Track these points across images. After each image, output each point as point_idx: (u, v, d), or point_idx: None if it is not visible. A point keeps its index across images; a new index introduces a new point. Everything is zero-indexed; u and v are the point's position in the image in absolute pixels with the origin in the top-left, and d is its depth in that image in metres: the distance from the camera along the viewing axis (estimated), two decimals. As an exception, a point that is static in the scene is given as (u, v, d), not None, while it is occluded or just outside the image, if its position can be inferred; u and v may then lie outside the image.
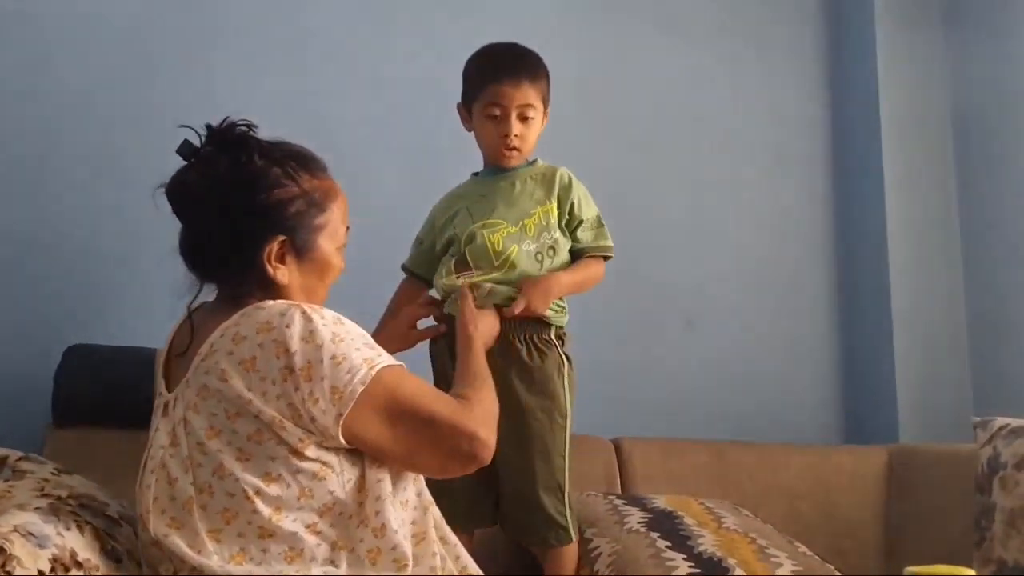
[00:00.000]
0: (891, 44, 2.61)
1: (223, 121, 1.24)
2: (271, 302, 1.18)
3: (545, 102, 1.65)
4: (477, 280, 1.61)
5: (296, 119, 2.15)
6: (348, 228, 1.32)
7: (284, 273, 1.22)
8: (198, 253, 1.24)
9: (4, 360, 1.88)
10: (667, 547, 1.74)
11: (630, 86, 2.50)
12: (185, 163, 1.24)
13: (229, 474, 1.12)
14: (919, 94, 2.62)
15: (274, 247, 1.21)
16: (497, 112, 1.61)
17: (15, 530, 1.02)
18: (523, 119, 1.61)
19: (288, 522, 1.12)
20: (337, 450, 1.16)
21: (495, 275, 1.61)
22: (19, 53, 1.98)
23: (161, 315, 2.01)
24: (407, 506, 1.22)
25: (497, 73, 1.61)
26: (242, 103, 2.09)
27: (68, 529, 1.11)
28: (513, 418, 1.55)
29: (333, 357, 1.13)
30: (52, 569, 1.00)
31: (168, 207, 1.26)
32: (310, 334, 1.13)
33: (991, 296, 2.51)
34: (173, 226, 2.03)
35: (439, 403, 1.22)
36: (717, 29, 2.62)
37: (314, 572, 1.11)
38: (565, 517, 1.62)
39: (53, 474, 1.32)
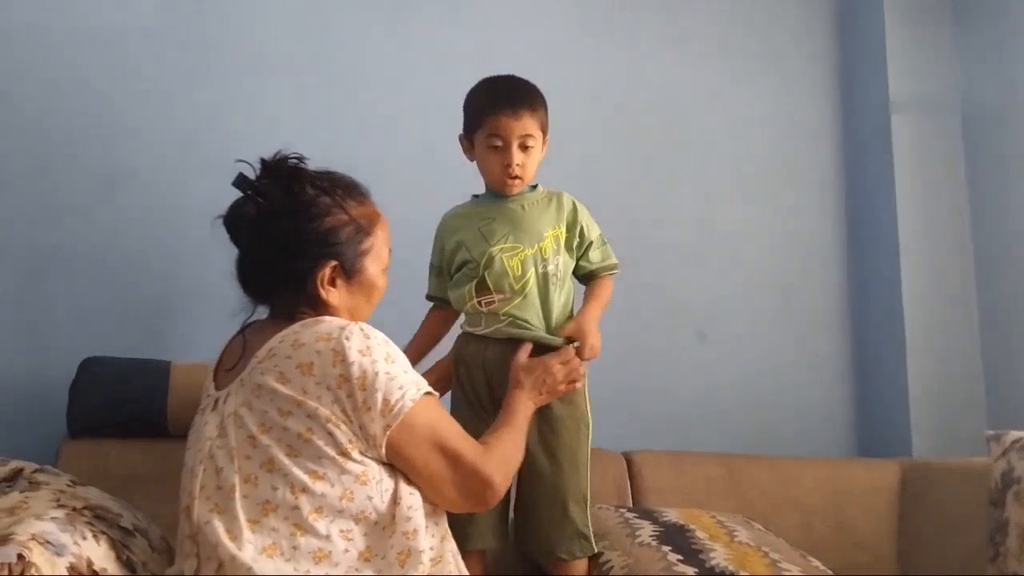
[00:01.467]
0: (903, 57, 2.60)
1: (275, 154, 1.34)
2: (329, 317, 1.29)
3: (544, 131, 1.70)
4: (497, 304, 1.65)
5: (309, 136, 2.19)
6: (390, 250, 1.42)
7: (335, 295, 1.32)
8: (255, 278, 1.34)
9: (20, 372, 1.90)
10: (679, 561, 1.73)
11: (641, 101, 2.51)
12: (241, 195, 1.34)
13: (278, 468, 1.19)
14: (931, 107, 2.61)
15: (326, 271, 1.31)
16: (499, 143, 1.66)
17: (33, 538, 1.03)
18: (524, 148, 1.66)
19: (324, 524, 1.18)
20: (377, 460, 1.24)
21: (516, 300, 1.65)
22: (37, 68, 2.01)
23: (175, 328, 2.05)
24: (429, 530, 1.27)
25: (497, 105, 1.66)
26: (255, 120, 2.16)
27: (84, 538, 1.12)
28: (546, 429, 1.63)
29: (388, 373, 1.23)
30: (69, 577, 1.01)
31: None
32: (367, 348, 1.23)
33: (1004, 309, 2.49)
34: (187, 242, 2.08)
35: (465, 445, 1.32)
36: (727, 44, 2.63)
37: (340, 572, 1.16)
38: (588, 527, 1.67)
39: (68, 486, 1.33)
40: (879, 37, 2.62)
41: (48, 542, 1.04)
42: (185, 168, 2.08)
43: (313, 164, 1.37)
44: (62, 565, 1.03)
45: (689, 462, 2.18)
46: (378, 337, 1.27)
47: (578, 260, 1.74)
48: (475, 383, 1.68)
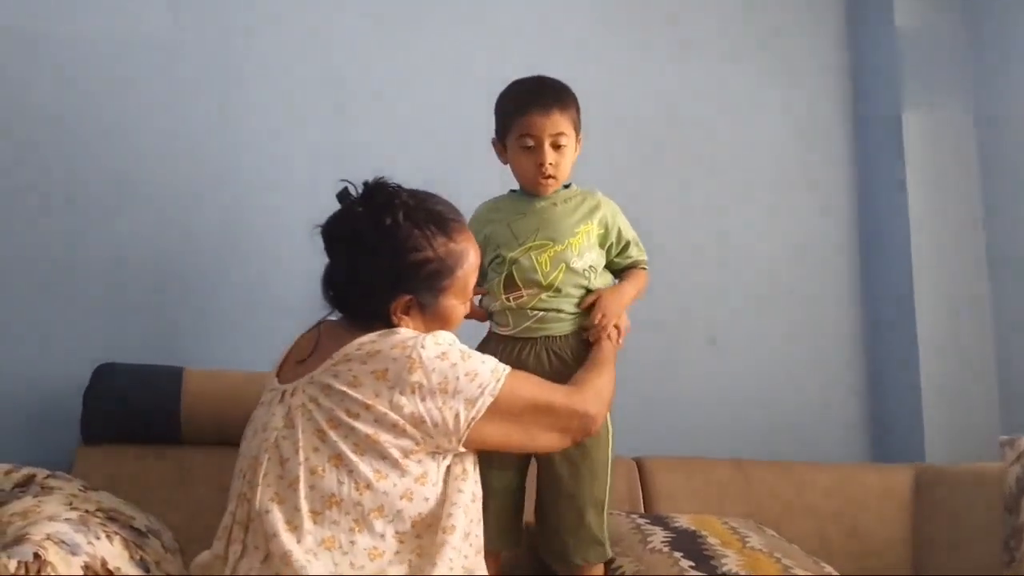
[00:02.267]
0: (914, 61, 2.60)
1: (377, 179, 1.40)
2: (403, 328, 1.34)
3: (576, 129, 1.70)
4: (526, 299, 1.65)
5: (321, 145, 2.22)
6: (479, 278, 1.49)
7: (407, 323, 1.36)
8: (335, 290, 1.40)
9: (34, 379, 1.91)
10: (691, 567, 1.73)
11: (652, 108, 2.51)
12: (341, 207, 1.40)
13: (345, 463, 1.23)
14: (943, 111, 2.61)
15: (400, 304, 1.35)
16: (531, 143, 1.66)
17: (48, 538, 1.04)
18: (556, 147, 1.66)
19: (381, 524, 1.24)
20: (440, 461, 1.31)
21: (543, 295, 1.65)
22: (52, 78, 2.03)
23: (189, 335, 2.07)
24: (467, 539, 1.33)
25: (528, 105, 1.66)
26: (268, 130, 2.18)
27: (98, 538, 1.13)
28: None
29: (467, 373, 1.30)
30: (84, 575, 1.02)
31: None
32: (443, 354, 1.30)
33: (1018, 313, 2.48)
34: (200, 250, 2.10)
35: (554, 393, 1.43)
36: (738, 51, 2.63)
37: (390, 572, 1.21)
38: (604, 534, 1.66)
39: (80, 490, 1.34)
40: (890, 42, 2.61)
41: (63, 541, 1.05)
42: (198, 177, 2.10)
43: (410, 185, 1.42)
44: (77, 564, 1.04)
45: (701, 467, 2.18)
46: (449, 338, 1.34)
47: (615, 257, 1.75)
48: None
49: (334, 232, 1.39)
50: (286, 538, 1.18)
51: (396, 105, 2.29)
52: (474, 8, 2.40)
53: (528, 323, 1.65)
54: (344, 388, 1.25)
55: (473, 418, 1.28)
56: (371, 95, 2.28)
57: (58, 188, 2.00)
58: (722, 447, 2.31)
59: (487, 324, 1.74)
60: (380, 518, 1.23)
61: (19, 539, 1.03)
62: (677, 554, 1.77)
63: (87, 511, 1.23)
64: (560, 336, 1.66)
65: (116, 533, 1.18)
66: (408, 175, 2.23)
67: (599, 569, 1.69)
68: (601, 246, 1.72)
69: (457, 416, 1.27)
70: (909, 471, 2.28)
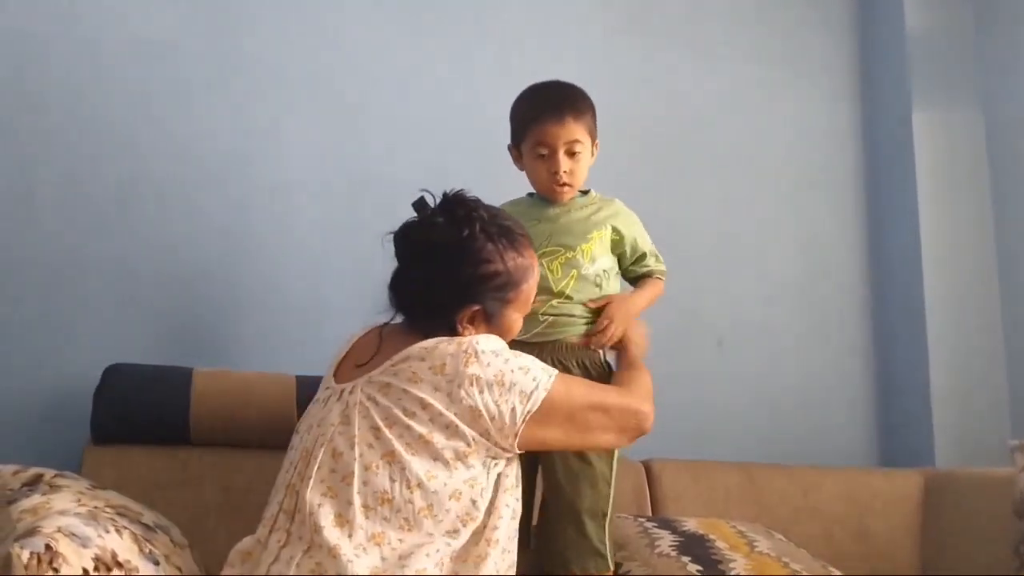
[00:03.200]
0: (924, 59, 2.60)
1: (456, 191, 1.44)
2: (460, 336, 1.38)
3: (592, 135, 1.70)
4: (536, 304, 1.63)
5: (328, 148, 2.23)
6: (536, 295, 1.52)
7: (471, 332, 1.40)
8: (403, 294, 1.44)
9: (44, 379, 1.92)
10: (698, 571, 1.72)
11: (661, 107, 2.52)
12: (419, 216, 1.43)
13: (398, 461, 1.26)
14: (954, 110, 2.60)
15: (468, 313, 1.40)
16: (545, 151, 1.67)
17: (59, 530, 1.05)
18: (571, 155, 1.67)
19: (431, 524, 1.26)
20: (492, 467, 1.34)
21: (554, 301, 1.66)
22: (62, 80, 2.04)
23: (198, 335, 2.08)
24: (506, 552, 1.36)
25: (542, 113, 1.66)
26: (275, 132, 2.19)
27: (108, 532, 1.13)
28: None
29: (521, 367, 1.34)
30: (95, 568, 1.03)
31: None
32: (499, 350, 1.35)
33: (1029, 316, 2.47)
34: (209, 251, 2.11)
35: (608, 394, 1.47)
36: (748, 50, 2.63)
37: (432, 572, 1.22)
38: (605, 545, 1.63)
39: (88, 488, 1.34)
40: (900, 40, 2.61)
41: (74, 534, 1.06)
42: (207, 178, 2.11)
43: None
44: (88, 556, 1.04)
45: (708, 471, 2.17)
46: (499, 339, 1.39)
47: (631, 265, 1.76)
48: None
49: (411, 239, 1.42)
50: (335, 533, 1.21)
51: (405, 107, 2.30)
52: (484, 9, 2.41)
53: (539, 328, 1.65)
54: (403, 385, 1.29)
55: (528, 411, 1.31)
56: (380, 96, 2.29)
57: (67, 189, 2.01)
58: (730, 450, 2.30)
59: None
60: (429, 517, 1.25)
61: (31, 531, 1.03)
62: (685, 558, 1.76)
63: (96, 507, 1.23)
64: (572, 342, 1.66)
65: (125, 528, 1.18)
66: (416, 176, 2.24)
67: None
68: (614, 252, 1.73)
69: (513, 410, 1.30)
70: (918, 476, 2.27)
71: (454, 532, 1.27)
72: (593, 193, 1.76)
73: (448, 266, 1.39)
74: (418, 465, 1.26)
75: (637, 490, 2.08)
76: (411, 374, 1.30)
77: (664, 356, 2.38)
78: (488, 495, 1.32)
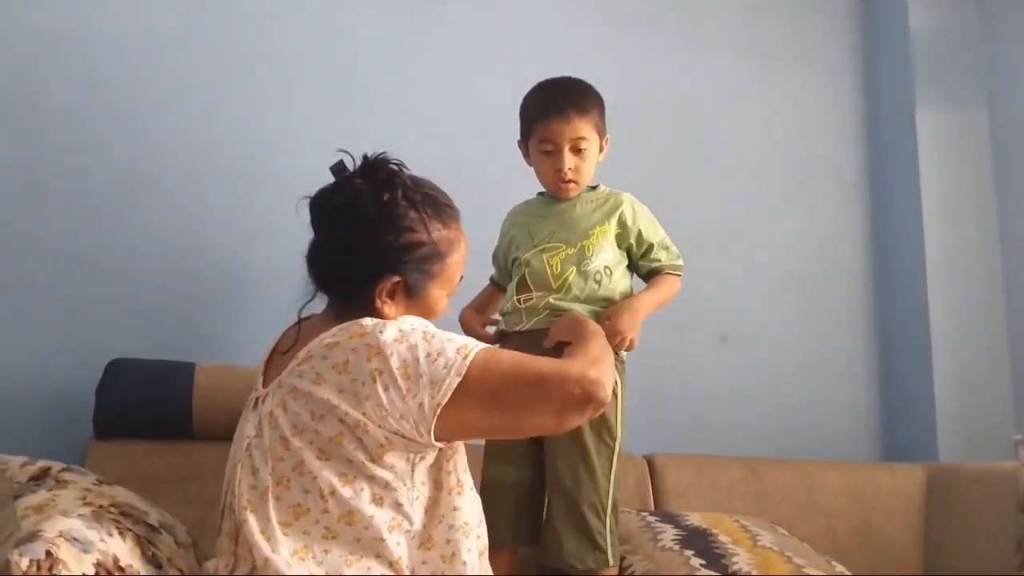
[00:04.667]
0: (928, 54, 2.58)
1: (378, 154, 1.33)
2: (368, 318, 1.25)
3: (599, 132, 1.69)
4: (535, 301, 1.66)
5: (331, 142, 2.20)
6: (462, 277, 1.39)
7: (391, 308, 1.29)
8: (320, 266, 1.33)
9: (47, 374, 1.92)
10: (701, 565, 1.72)
11: (662, 101, 2.51)
12: (336, 180, 1.33)
13: (308, 471, 1.18)
14: (957, 105, 2.59)
15: (387, 285, 1.28)
16: (550, 148, 1.66)
17: (60, 535, 1.04)
18: (576, 151, 1.66)
19: (353, 531, 1.17)
20: (417, 462, 1.22)
21: (551, 298, 1.65)
22: (63, 74, 2.03)
23: (200, 330, 2.07)
24: (469, 532, 1.26)
25: (547, 110, 1.66)
26: (278, 125, 2.17)
27: (111, 535, 1.13)
28: (566, 436, 1.58)
29: (428, 355, 1.20)
30: (96, 573, 1.03)
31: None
32: (403, 335, 1.21)
33: (1032, 311, 2.47)
34: (211, 246, 2.10)
35: (541, 363, 1.26)
36: (750, 44, 2.62)
37: (375, 572, 1.15)
38: (606, 540, 1.63)
39: (95, 484, 1.34)
40: (903, 34, 2.60)
41: (75, 539, 1.05)
42: (209, 173, 2.11)
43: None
44: (89, 562, 1.03)
45: (712, 466, 2.17)
46: (413, 321, 1.25)
47: (639, 260, 1.74)
48: None
49: (327, 204, 1.31)
50: (264, 546, 1.15)
51: (410, 101, 2.29)
52: (488, 3, 2.40)
53: (540, 316, 1.66)
54: (309, 388, 1.20)
55: (439, 404, 1.17)
56: (385, 90, 2.28)
57: (71, 185, 2.01)
58: (733, 445, 2.31)
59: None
60: (352, 525, 1.17)
61: (32, 536, 1.03)
62: (688, 552, 1.76)
63: (101, 506, 1.23)
64: None
65: (129, 530, 1.18)
66: (419, 169, 2.24)
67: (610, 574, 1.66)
68: (620, 247, 1.71)
69: (422, 405, 1.17)
70: (922, 470, 2.27)
71: (380, 540, 1.17)
72: (602, 187, 1.75)
73: (366, 233, 1.28)
74: (329, 472, 1.17)
75: (640, 485, 2.09)
76: (315, 375, 1.20)
77: (667, 351, 2.40)
78: (422, 493, 1.22)
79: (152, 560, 1.16)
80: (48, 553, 0.99)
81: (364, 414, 1.17)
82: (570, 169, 1.66)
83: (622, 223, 1.71)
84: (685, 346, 2.41)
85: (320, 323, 1.30)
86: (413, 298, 1.31)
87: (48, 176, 2.00)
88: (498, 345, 1.71)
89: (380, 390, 1.17)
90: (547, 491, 1.66)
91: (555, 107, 1.65)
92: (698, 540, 1.81)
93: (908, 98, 2.57)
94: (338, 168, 1.33)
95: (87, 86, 2.04)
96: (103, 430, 1.82)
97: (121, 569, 1.06)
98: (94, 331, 1.97)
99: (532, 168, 1.75)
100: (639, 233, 1.72)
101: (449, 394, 1.18)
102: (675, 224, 2.40)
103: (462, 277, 1.39)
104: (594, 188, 1.75)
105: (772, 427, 2.43)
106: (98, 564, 1.04)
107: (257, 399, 1.28)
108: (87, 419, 1.82)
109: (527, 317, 1.67)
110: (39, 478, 1.32)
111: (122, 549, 1.11)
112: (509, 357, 1.26)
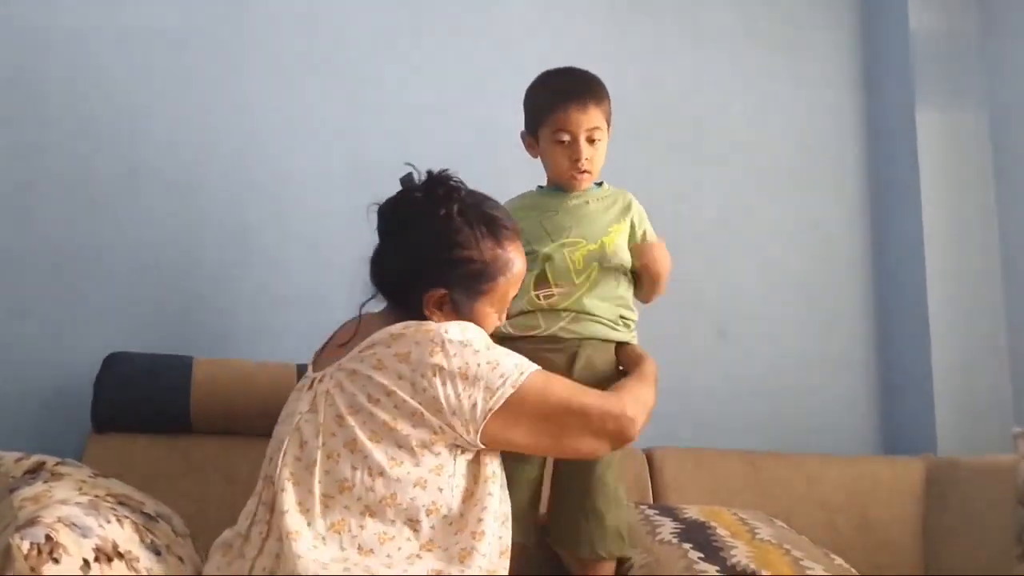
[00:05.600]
0: (928, 50, 2.58)
1: (442, 171, 1.40)
2: (431, 321, 1.33)
3: (609, 123, 1.69)
4: (557, 298, 1.64)
5: (330, 137, 2.22)
6: (516, 295, 1.47)
7: (438, 318, 1.35)
8: (378, 270, 1.41)
9: (45, 367, 1.93)
10: (700, 558, 1.72)
11: (662, 95, 2.50)
12: (401, 190, 1.41)
13: (359, 449, 1.23)
14: (957, 100, 2.59)
15: (435, 296, 1.35)
16: (566, 137, 1.65)
17: (60, 520, 1.04)
18: (591, 142, 1.65)
19: (393, 511, 1.23)
20: (459, 455, 1.29)
21: (578, 295, 1.64)
22: (61, 69, 2.03)
23: (199, 324, 2.07)
24: (492, 542, 1.30)
25: (564, 99, 1.64)
26: (276, 120, 2.18)
27: (108, 522, 1.13)
28: None
29: (488, 362, 1.28)
30: (96, 559, 1.03)
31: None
32: (468, 340, 1.28)
33: (1030, 306, 2.47)
34: (210, 240, 2.10)
35: (588, 396, 1.36)
36: (750, 38, 2.62)
37: (412, 571, 1.19)
38: (625, 528, 1.66)
39: (90, 477, 1.35)
40: (903, 30, 2.60)
41: (74, 524, 1.05)
42: (208, 167, 2.11)
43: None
44: (88, 546, 1.04)
45: (710, 459, 2.17)
46: (477, 330, 1.32)
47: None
48: None
49: (389, 213, 1.40)
50: (296, 519, 1.19)
51: (408, 96, 2.29)
52: (485, -1, 2.40)
53: (561, 323, 1.63)
54: (368, 372, 1.26)
55: (491, 408, 1.25)
56: (385, 84, 2.28)
57: (68, 179, 2.01)
58: (732, 439, 2.30)
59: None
60: (392, 506, 1.22)
61: (31, 521, 1.03)
62: (686, 545, 1.76)
63: (97, 495, 1.23)
64: (593, 342, 1.64)
65: (126, 517, 1.18)
66: (419, 164, 2.25)
67: (611, 567, 1.67)
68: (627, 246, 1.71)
69: (475, 405, 1.25)
70: (920, 463, 2.27)
71: (415, 521, 1.23)
72: (606, 185, 1.75)
73: (419, 244, 1.36)
74: (380, 453, 1.23)
75: (639, 478, 2.08)
76: (376, 361, 1.27)
77: (666, 346, 2.38)
78: (460, 483, 1.28)
79: (151, 546, 1.17)
80: (48, 537, 1.00)
81: (421, 403, 1.24)
82: (587, 159, 1.65)
83: (632, 223, 1.71)
84: (684, 340, 2.41)
85: (378, 321, 1.35)
86: (460, 311, 1.36)
87: (45, 170, 2.00)
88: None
89: (439, 384, 1.24)
90: (564, 481, 1.65)
91: (573, 96, 1.64)
92: (697, 533, 1.80)
93: (908, 96, 2.57)
94: (406, 180, 1.41)
95: (85, 80, 2.04)
96: (101, 424, 1.82)
97: (120, 554, 1.07)
98: (92, 325, 1.97)
99: (535, 160, 1.73)
100: (644, 235, 1.73)
101: (501, 402, 1.26)
102: (674, 219, 2.42)
103: (516, 295, 1.46)
104: (599, 184, 1.74)
105: (771, 420, 2.43)
106: (97, 549, 1.04)
107: (313, 380, 1.33)
108: (85, 413, 1.82)
109: (545, 322, 1.64)
110: (34, 472, 1.32)
111: (121, 535, 1.11)
112: (561, 385, 1.35)
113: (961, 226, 2.53)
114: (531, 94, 1.72)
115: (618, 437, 1.37)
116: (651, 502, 2.06)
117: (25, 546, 0.97)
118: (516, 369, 1.29)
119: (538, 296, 1.64)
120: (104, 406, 1.81)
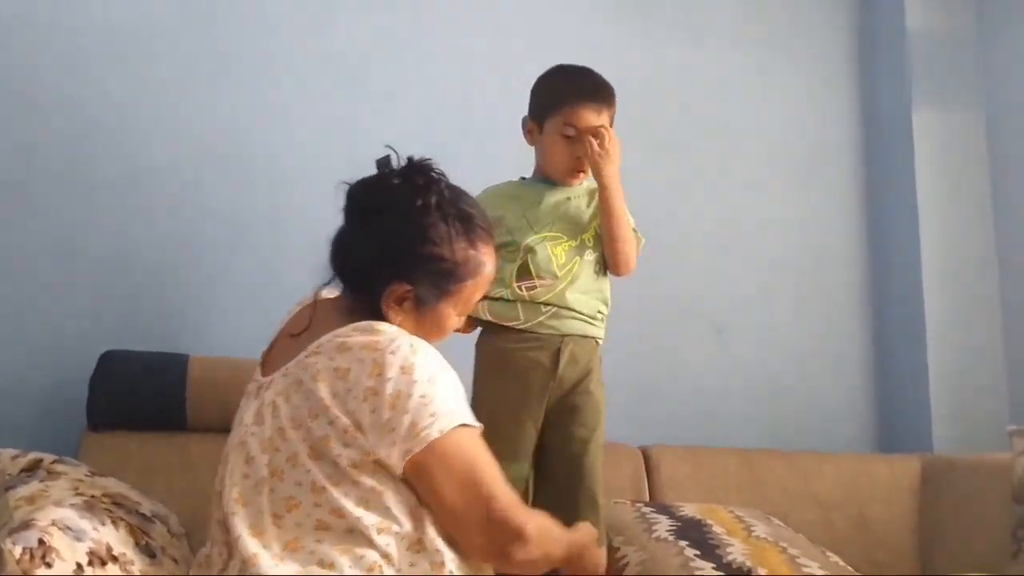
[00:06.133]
0: (925, 49, 2.58)
1: (423, 159, 1.31)
2: (387, 325, 1.22)
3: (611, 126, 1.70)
4: (539, 291, 1.64)
5: (325, 134, 2.21)
6: (481, 300, 1.38)
7: (397, 314, 1.26)
8: (341, 254, 1.31)
9: (41, 365, 1.92)
10: (696, 556, 1.72)
11: (659, 93, 2.50)
12: (377, 173, 1.31)
13: (301, 464, 1.16)
14: (954, 100, 2.59)
15: (398, 291, 1.25)
16: (572, 132, 1.65)
17: (53, 524, 1.04)
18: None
19: (345, 525, 1.15)
20: (393, 477, 1.18)
21: (560, 287, 1.64)
22: (57, 65, 2.02)
23: (194, 322, 2.07)
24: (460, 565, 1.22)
25: (580, 96, 1.65)
26: (273, 117, 2.17)
27: (103, 524, 1.13)
28: (571, 417, 1.63)
29: (423, 396, 1.16)
30: (89, 562, 1.03)
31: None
32: (410, 367, 1.17)
33: (1026, 303, 2.47)
34: (205, 237, 2.09)
35: (502, 489, 1.22)
36: (747, 36, 2.62)
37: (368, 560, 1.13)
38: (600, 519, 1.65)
39: (87, 475, 1.34)
40: (900, 29, 2.60)
41: (68, 527, 1.05)
42: (204, 165, 2.10)
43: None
44: (82, 550, 1.03)
45: (707, 457, 2.18)
46: (428, 357, 1.21)
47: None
48: (529, 385, 1.63)
49: (361, 196, 1.30)
50: (251, 542, 1.13)
51: (405, 91, 2.28)
52: (481, -5, 2.39)
53: (541, 318, 1.63)
54: (309, 384, 1.18)
55: (410, 450, 1.15)
56: (380, 80, 2.27)
57: (63, 176, 2.01)
58: (728, 437, 2.31)
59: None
60: (344, 519, 1.14)
61: (25, 524, 1.03)
62: (682, 543, 1.76)
63: (93, 496, 1.23)
64: (574, 337, 1.64)
65: (122, 519, 1.18)
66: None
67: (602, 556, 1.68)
68: None
69: (396, 440, 1.15)
70: (916, 461, 2.27)
71: (369, 540, 1.14)
72: (586, 181, 1.74)
73: (389, 233, 1.26)
74: (319, 471, 1.15)
75: (635, 476, 2.09)
76: (316, 371, 1.18)
77: (663, 344, 2.40)
78: (405, 495, 1.18)
79: (145, 549, 1.16)
80: (41, 541, 0.99)
81: (351, 423, 1.15)
82: (588, 158, 1.65)
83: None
84: (680, 337, 2.41)
85: (332, 311, 1.28)
86: (421, 310, 1.28)
87: (40, 168, 1.99)
88: (477, 331, 1.68)
89: (368, 409, 1.15)
90: (555, 477, 1.65)
91: (589, 94, 1.65)
92: (693, 531, 1.81)
93: (905, 95, 2.57)
94: (383, 163, 1.31)
95: (81, 76, 2.04)
96: (97, 422, 1.82)
97: (114, 557, 1.06)
98: (87, 322, 1.97)
99: (528, 158, 1.73)
100: None
101: (425, 444, 1.15)
102: (671, 216, 2.43)
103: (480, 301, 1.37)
104: None
105: (767, 418, 2.43)
106: (91, 552, 1.04)
107: (260, 387, 1.27)
108: (81, 411, 1.82)
109: (525, 315, 1.64)
110: (30, 470, 1.32)
111: (115, 538, 1.11)
112: (487, 459, 1.22)
113: (957, 225, 2.53)
114: (546, 82, 1.71)
115: (502, 553, 1.21)
116: (647, 500, 2.07)
117: (17, 551, 0.97)
118: (449, 414, 1.18)
119: (520, 287, 1.64)
120: (100, 404, 1.81)
